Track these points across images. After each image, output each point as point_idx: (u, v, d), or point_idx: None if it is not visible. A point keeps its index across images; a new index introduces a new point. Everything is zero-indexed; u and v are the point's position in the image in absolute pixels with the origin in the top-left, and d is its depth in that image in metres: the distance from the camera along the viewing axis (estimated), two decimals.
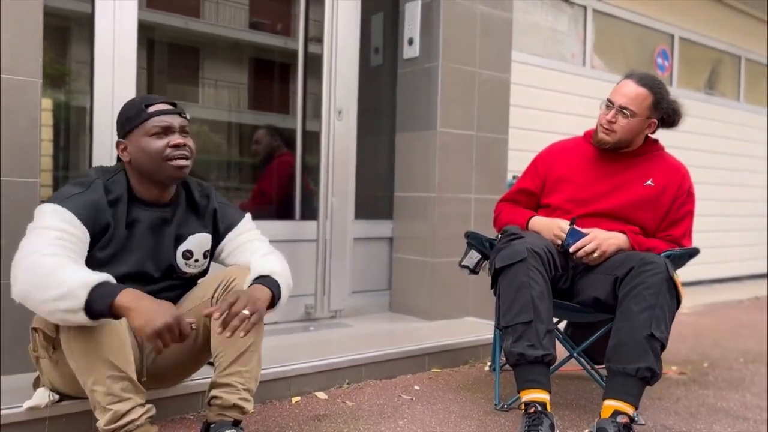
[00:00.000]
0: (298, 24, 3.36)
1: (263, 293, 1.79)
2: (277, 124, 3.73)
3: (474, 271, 2.58)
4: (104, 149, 2.68)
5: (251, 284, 1.84)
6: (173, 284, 1.95)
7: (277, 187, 3.53)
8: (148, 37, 3.03)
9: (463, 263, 2.59)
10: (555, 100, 4.47)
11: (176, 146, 1.81)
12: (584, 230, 2.31)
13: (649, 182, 2.46)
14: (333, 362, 2.55)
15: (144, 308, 1.51)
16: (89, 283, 1.51)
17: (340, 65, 3.40)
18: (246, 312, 1.68)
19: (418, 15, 3.49)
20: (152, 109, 1.82)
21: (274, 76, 3.80)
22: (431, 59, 3.45)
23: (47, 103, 2.98)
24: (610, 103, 2.44)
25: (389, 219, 3.69)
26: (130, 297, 1.52)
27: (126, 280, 1.77)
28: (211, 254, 2.03)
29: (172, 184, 1.89)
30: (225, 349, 1.81)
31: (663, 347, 2.09)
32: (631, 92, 2.40)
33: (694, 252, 2.42)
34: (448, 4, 3.42)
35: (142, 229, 1.85)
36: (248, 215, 2.10)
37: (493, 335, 2.89)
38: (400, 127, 3.65)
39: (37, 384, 1.93)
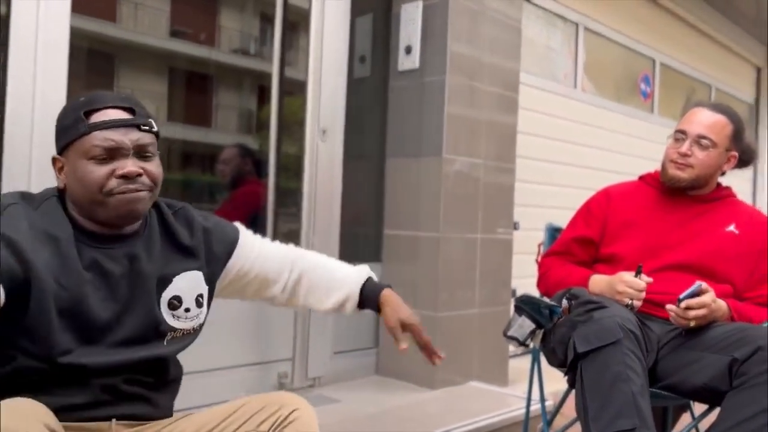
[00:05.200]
0: (274, 27, 2.72)
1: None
2: (200, 138, 3.29)
3: (524, 343, 2.00)
4: (19, 171, 1.93)
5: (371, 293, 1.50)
6: (158, 354, 1.25)
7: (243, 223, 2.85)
8: None
9: (510, 333, 1.99)
10: (546, 124, 3.99)
11: (125, 177, 1.17)
12: (706, 288, 1.78)
13: (731, 228, 1.99)
14: None
15: None
16: None
17: (326, 76, 2.76)
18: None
19: (418, 18, 2.91)
20: (95, 118, 1.18)
21: (197, 88, 3.38)
22: (435, 72, 2.87)
23: None
24: (681, 135, 1.99)
25: (377, 261, 3.06)
26: None
27: (116, 347, 1.19)
28: (209, 299, 1.37)
29: (121, 225, 1.23)
30: None
31: None
32: (709, 119, 1.98)
33: None
34: (457, 7, 2.86)
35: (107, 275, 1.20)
36: (239, 224, 1.50)
37: (525, 410, 2.31)
38: (391, 151, 3.04)
39: None
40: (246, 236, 1.47)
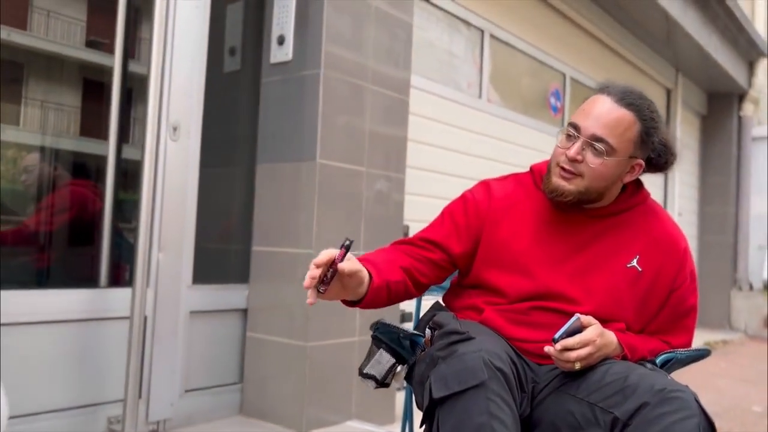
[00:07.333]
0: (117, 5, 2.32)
1: None
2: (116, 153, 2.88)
3: (383, 383, 1.63)
4: None
5: None
6: None
7: (66, 235, 2.39)
8: None
9: (366, 371, 1.63)
10: (447, 134, 3.70)
11: None
12: (587, 321, 1.44)
13: (633, 263, 1.57)
14: None
15: None
16: None
17: (179, 64, 2.36)
18: None
19: (292, 5, 2.56)
20: None
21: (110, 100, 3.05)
22: (309, 65, 2.51)
23: None
24: (573, 131, 1.51)
25: (243, 283, 2.65)
26: None
27: None
28: None
29: None
30: None
31: None
32: (610, 115, 1.49)
33: (704, 353, 1.65)
34: None
35: None
36: None
37: None
38: (262, 156, 2.66)
39: None
40: None
